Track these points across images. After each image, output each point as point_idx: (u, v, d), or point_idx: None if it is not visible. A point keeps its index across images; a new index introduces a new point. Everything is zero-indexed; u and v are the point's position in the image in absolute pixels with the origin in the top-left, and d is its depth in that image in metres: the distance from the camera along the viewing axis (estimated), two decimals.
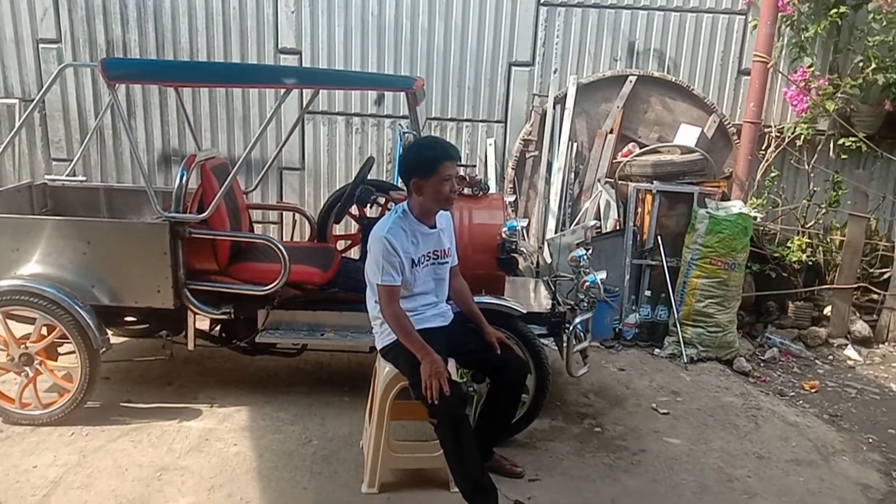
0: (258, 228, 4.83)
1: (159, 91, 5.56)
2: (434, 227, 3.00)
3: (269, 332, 3.74)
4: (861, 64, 5.27)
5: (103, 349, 3.56)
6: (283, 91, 3.53)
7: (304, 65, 5.47)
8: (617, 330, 5.03)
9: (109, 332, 3.69)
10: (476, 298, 3.28)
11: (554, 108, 5.47)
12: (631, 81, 5.43)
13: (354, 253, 4.81)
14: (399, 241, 2.86)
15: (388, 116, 5.61)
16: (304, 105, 4.34)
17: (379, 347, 3.05)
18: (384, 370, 2.99)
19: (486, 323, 3.16)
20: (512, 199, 5.01)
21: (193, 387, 4.07)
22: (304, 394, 4.03)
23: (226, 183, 3.58)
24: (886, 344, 5.38)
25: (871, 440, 3.95)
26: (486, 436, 3.14)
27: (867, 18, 5.15)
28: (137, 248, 3.55)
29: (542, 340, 3.59)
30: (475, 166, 5.48)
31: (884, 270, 5.47)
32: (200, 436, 3.53)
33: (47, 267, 3.54)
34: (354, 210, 4.51)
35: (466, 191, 3.84)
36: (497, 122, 5.64)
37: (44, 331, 3.57)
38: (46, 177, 4.62)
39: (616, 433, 3.77)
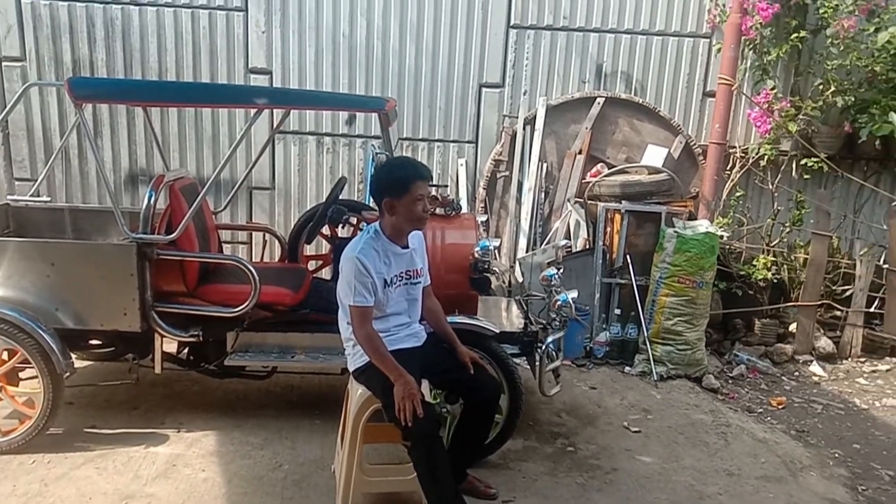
0: (227, 249, 4.79)
1: (127, 110, 5.49)
2: (406, 247, 3.00)
3: (239, 355, 3.69)
4: (821, 87, 5.43)
5: (67, 374, 3.47)
6: (253, 111, 3.51)
7: (274, 85, 5.45)
8: (588, 348, 5.06)
9: (73, 356, 3.61)
10: (449, 318, 3.27)
11: (524, 128, 5.53)
12: (599, 103, 5.51)
13: (326, 273, 4.78)
14: (371, 262, 2.85)
15: (359, 136, 5.61)
16: (275, 125, 4.33)
17: (351, 369, 3.02)
18: (357, 392, 2.96)
19: (459, 343, 3.15)
20: (484, 218, 5.03)
21: (160, 411, 3.99)
22: (274, 417, 3.97)
23: (195, 203, 3.54)
24: (850, 360, 5.49)
25: (837, 455, 4.02)
26: (459, 457, 3.12)
27: (826, 43, 5.30)
28: (103, 270, 3.49)
29: (514, 360, 3.60)
30: (447, 186, 5.50)
31: (846, 288, 5.60)
32: (167, 462, 3.45)
33: (9, 290, 3.46)
34: (326, 230, 4.48)
35: (439, 210, 3.85)
36: (468, 142, 5.68)
37: (4, 355, 3.48)
38: (9, 197, 4.52)
39: (589, 452, 3.78)
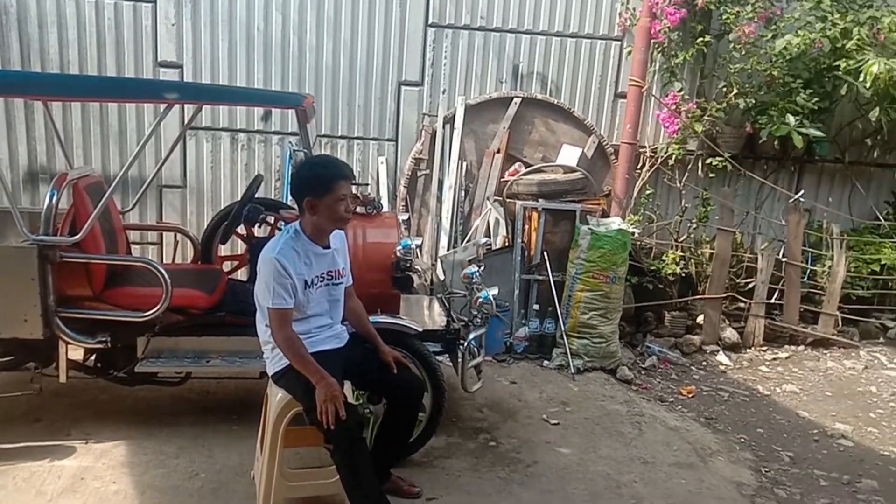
0: (137, 250, 4.59)
1: (25, 104, 5.17)
2: (328, 247, 2.96)
3: (150, 361, 3.54)
4: (724, 89, 5.71)
5: None
6: (163, 106, 3.37)
7: (185, 79, 5.26)
8: (508, 344, 5.12)
9: None
10: (371, 318, 3.25)
11: (444, 127, 5.56)
12: (516, 103, 5.61)
13: (242, 274, 4.66)
14: (291, 263, 2.79)
15: (276, 133, 5.49)
16: (187, 121, 4.18)
17: (270, 373, 2.95)
18: (276, 396, 2.90)
19: (381, 343, 3.13)
20: (405, 217, 5.02)
21: (66, 422, 3.78)
22: (189, 425, 3.83)
23: (101, 203, 3.38)
24: (753, 348, 5.80)
25: (742, 440, 4.24)
26: (383, 457, 3.11)
27: (728, 48, 5.57)
28: (1, 274, 3.27)
29: (437, 357, 3.61)
30: (368, 184, 5.47)
31: (748, 280, 5.91)
32: (75, 475, 3.28)
33: None
34: (242, 229, 4.36)
35: (360, 209, 3.82)
36: (388, 140, 5.66)
37: None
38: None
39: (510, 446, 3.84)
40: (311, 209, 2.84)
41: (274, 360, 2.90)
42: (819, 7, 5.40)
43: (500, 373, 4.88)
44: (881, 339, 6.14)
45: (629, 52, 5.65)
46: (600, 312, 5.02)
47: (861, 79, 5.11)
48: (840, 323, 5.99)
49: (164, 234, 4.90)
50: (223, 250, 4.65)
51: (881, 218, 6.31)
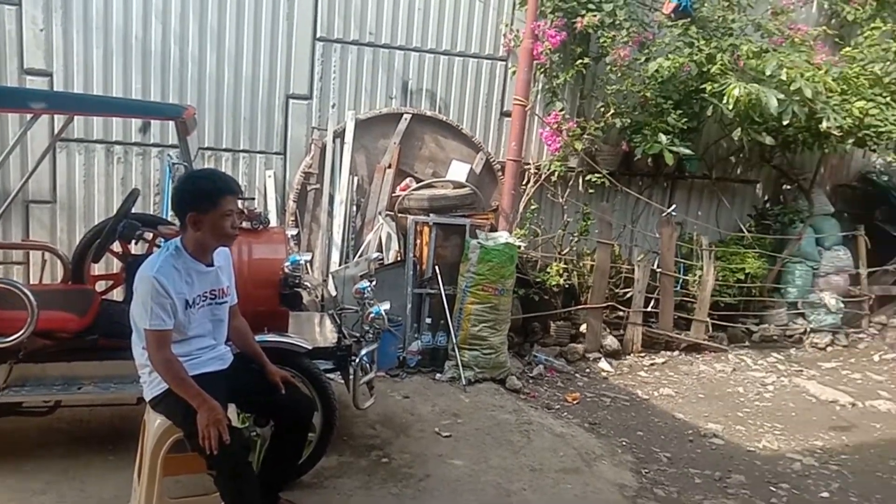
0: (0, 271, 4.24)
1: None
2: (211, 264, 2.85)
3: (14, 390, 3.28)
4: (602, 109, 6.00)
5: None
6: (29, 116, 3.15)
7: (55, 88, 4.94)
8: (401, 358, 5.14)
9: None
10: (258, 337, 3.16)
11: (334, 141, 5.52)
12: (406, 119, 5.66)
13: (118, 294, 4.41)
14: (171, 281, 2.67)
15: (154, 145, 5.25)
16: (57, 132, 3.92)
17: (148, 398, 2.80)
18: (155, 422, 2.76)
19: (268, 362, 3.05)
20: (294, 232, 4.94)
21: None
22: (59, 457, 3.57)
23: None
24: (632, 355, 6.11)
25: (624, 443, 4.44)
26: (271, 480, 3.03)
27: (606, 70, 5.86)
28: None
29: (328, 375, 3.57)
30: (254, 199, 5.33)
31: (627, 290, 6.23)
32: None
33: None
34: (117, 247, 4.13)
35: (245, 224, 3.71)
36: (276, 153, 5.55)
37: None
38: None
39: (403, 461, 3.84)
40: (194, 225, 2.73)
41: (152, 385, 2.76)
42: (687, 34, 5.77)
43: (393, 388, 4.88)
44: (747, 343, 6.63)
45: (513, 73, 5.83)
46: (490, 324, 5.13)
47: (724, 101, 5.45)
48: (710, 328, 6.42)
49: (31, 252, 4.56)
50: (96, 269, 4.38)
51: (744, 230, 6.84)
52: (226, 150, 5.42)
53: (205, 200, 2.71)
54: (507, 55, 5.99)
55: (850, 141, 6.06)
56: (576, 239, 6.14)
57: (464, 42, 5.87)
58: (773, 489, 3.99)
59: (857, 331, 6.95)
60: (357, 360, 3.63)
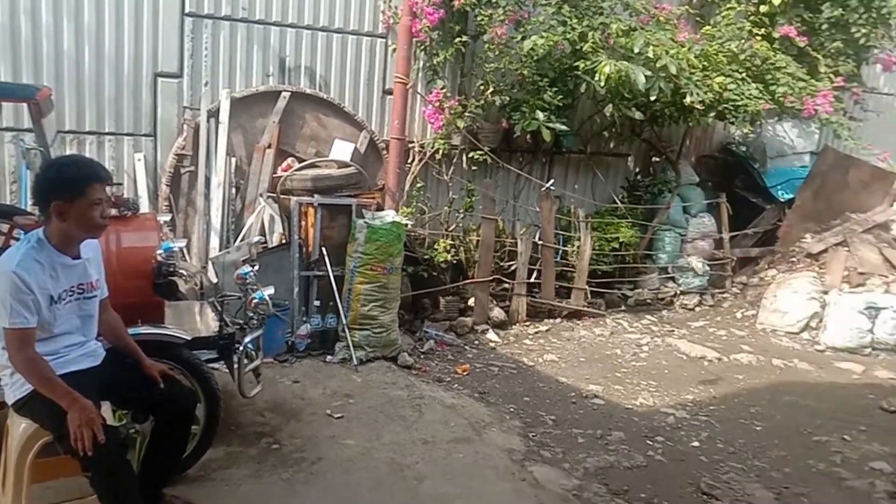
0: None
1: None
2: (78, 257, 2.68)
3: None
4: (482, 87, 6.08)
5: None
6: None
7: None
8: (290, 343, 5.07)
9: None
10: (132, 330, 3.02)
11: (208, 121, 5.30)
12: (284, 97, 5.51)
13: None
14: (33, 276, 2.50)
15: (7, 129, 4.84)
16: None
17: (11, 401, 2.62)
18: (20, 427, 2.59)
19: (144, 356, 2.92)
20: (167, 217, 4.72)
21: None
22: None
23: None
24: (518, 325, 6.32)
25: (512, 409, 4.61)
26: (154, 478, 2.93)
27: (484, 48, 5.91)
28: None
29: (211, 365, 3.46)
30: (121, 184, 5.03)
31: (511, 263, 6.42)
32: None
33: None
34: None
35: (113, 211, 3.51)
36: (145, 135, 5.27)
37: None
38: None
39: (294, 446, 3.81)
40: (59, 215, 2.55)
41: (15, 387, 2.59)
42: (560, 12, 5.92)
43: (282, 373, 4.80)
44: (623, 307, 7.02)
45: (394, 50, 5.80)
46: (380, 303, 5.14)
47: (596, 78, 5.64)
48: (589, 296, 6.73)
49: None
50: None
51: (618, 201, 7.20)
52: (89, 132, 5.08)
53: (70, 189, 2.55)
54: (386, 32, 5.95)
55: (712, 114, 6.47)
56: (461, 215, 6.24)
57: (342, 18, 5.77)
58: (650, 442, 4.28)
59: (722, 291, 7.51)
60: (241, 348, 3.54)
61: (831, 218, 7.51)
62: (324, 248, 5.26)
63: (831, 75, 6.96)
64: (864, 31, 7.15)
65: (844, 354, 6.22)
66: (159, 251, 3.44)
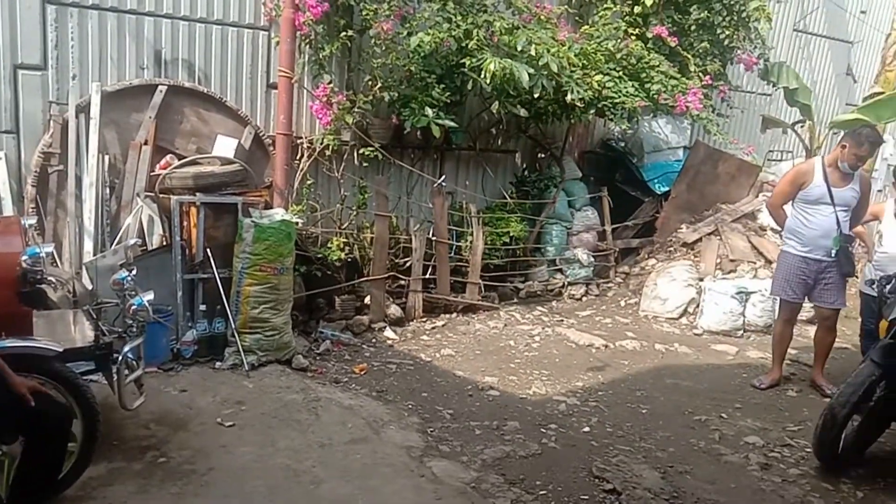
0: None
1: None
2: None
3: None
4: (370, 83, 6.00)
5: None
6: None
7: None
8: (175, 350, 4.83)
9: None
10: None
11: (77, 117, 4.95)
12: (161, 91, 5.23)
13: None
14: None
15: None
16: None
17: None
18: None
19: (10, 372, 2.68)
20: (33, 221, 4.38)
21: None
22: None
23: None
24: (415, 321, 6.32)
25: (410, 406, 4.61)
26: (27, 501, 2.69)
27: (371, 43, 5.84)
28: None
29: (89, 377, 3.25)
30: None
31: (406, 260, 6.41)
32: None
33: None
34: None
35: None
36: (6, 132, 4.87)
37: None
38: None
39: (182, 458, 3.62)
40: None
41: None
42: (445, 9, 5.95)
43: (167, 383, 4.55)
44: (515, 300, 7.18)
45: (277, 43, 5.63)
46: (271, 305, 4.99)
47: (482, 75, 5.71)
48: (483, 289, 6.84)
49: None
50: None
51: (507, 196, 7.35)
52: None
53: None
54: (269, 25, 5.77)
55: (592, 111, 6.70)
56: (354, 213, 6.16)
57: (221, 9, 5.55)
58: (544, 430, 4.39)
59: (606, 281, 7.83)
60: (120, 358, 3.34)
61: (704, 209, 8.03)
62: (209, 250, 5.03)
63: (700, 74, 7.39)
64: (727, 32, 7.67)
65: (719, 337, 6.62)
66: (24, 257, 3.18)
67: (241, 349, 4.88)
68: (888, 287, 4.35)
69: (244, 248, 4.94)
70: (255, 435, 3.95)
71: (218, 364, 4.90)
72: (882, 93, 9.36)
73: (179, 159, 5.27)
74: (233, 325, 4.94)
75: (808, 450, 4.27)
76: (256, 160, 5.68)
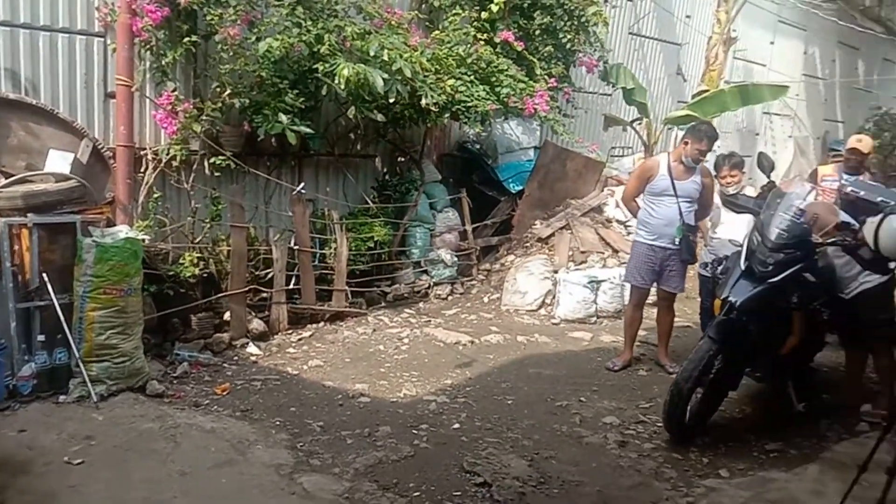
0: None
1: None
2: None
3: None
4: (218, 89, 5.77)
5: None
6: None
7: None
8: (11, 387, 4.40)
9: None
10: None
11: None
12: None
13: None
14: None
15: None
16: None
17: None
18: None
19: None
20: None
21: None
22: None
23: None
24: (280, 334, 6.16)
25: (278, 423, 4.48)
26: None
27: (217, 48, 5.62)
28: None
29: None
30: None
31: (268, 271, 6.23)
32: None
33: None
34: None
35: None
36: None
37: None
38: None
39: None
40: None
41: None
42: (294, 14, 5.82)
43: (3, 423, 4.14)
44: (383, 304, 7.20)
45: (114, 50, 5.30)
46: (119, 329, 4.67)
47: (336, 81, 5.66)
48: (350, 296, 6.79)
49: None
50: None
51: (369, 201, 7.35)
52: None
53: None
54: (104, 31, 5.41)
55: (446, 115, 6.85)
56: (208, 225, 5.91)
57: (48, 15, 5.15)
58: (415, 431, 4.44)
59: (470, 279, 8.04)
60: None
61: (555, 205, 8.46)
62: (45, 274, 4.61)
63: (546, 77, 7.76)
64: (569, 36, 8.11)
65: (575, 325, 7.01)
66: None
67: (87, 379, 4.52)
68: (720, 268, 4.79)
69: (85, 271, 4.58)
70: (107, 470, 3.69)
71: (62, 398, 4.51)
72: (707, 90, 10.29)
73: (7, 177, 4.80)
74: (76, 355, 4.57)
75: (660, 424, 4.63)
76: (96, 175, 5.29)
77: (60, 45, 5.25)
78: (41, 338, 4.62)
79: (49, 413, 4.35)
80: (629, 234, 8.01)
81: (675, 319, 5.99)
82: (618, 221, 8.22)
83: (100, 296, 4.59)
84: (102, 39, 5.44)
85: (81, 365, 4.56)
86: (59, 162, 5.05)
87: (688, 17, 11.60)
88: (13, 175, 4.86)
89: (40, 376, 4.54)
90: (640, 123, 9.94)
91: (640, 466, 4.19)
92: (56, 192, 4.82)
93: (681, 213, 5.47)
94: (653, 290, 5.89)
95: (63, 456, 3.81)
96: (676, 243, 5.51)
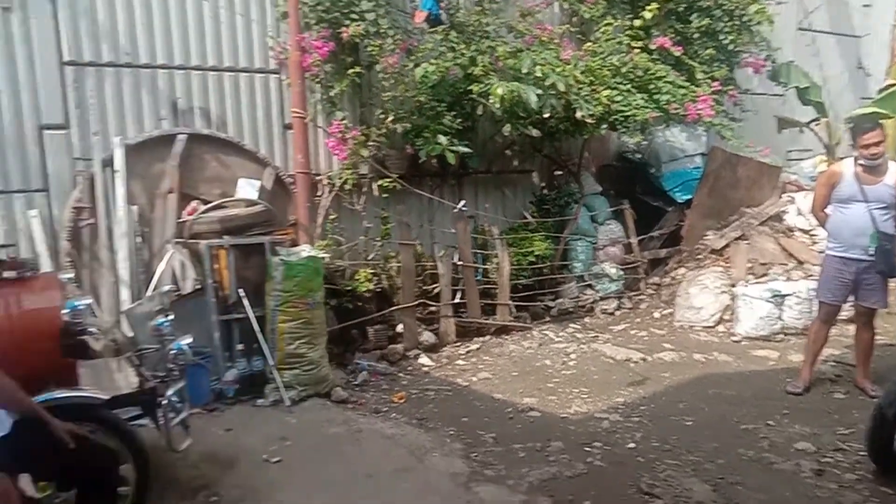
0: None
1: None
2: None
3: None
4: (382, 116, 6.06)
5: None
6: None
7: None
8: (217, 390, 4.85)
9: None
10: (44, 395, 2.82)
11: (103, 171, 5.05)
12: (181, 140, 5.33)
13: None
14: None
15: None
16: None
17: None
18: None
19: (50, 418, 2.64)
20: (70, 275, 4.45)
21: None
22: None
23: None
24: (449, 346, 6.29)
25: (451, 432, 4.53)
26: None
27: (379, 77, 5.93)
28: None
29: (137, 421, 3.28)
30: (14, 245, 4.71)
31: (435, 286, 6.39)
32: None
33: None
34: None
35: (7, 274, 3.27)
36: (38, 191, 5.00)
37: None
38: None
39: (233, 497, 3.62)
40: None
41: None
42: (448, 39, 6.03)
43: (212, 422, 4.56)
44: (547, 318, 7.11)
45: (289, 85, 5.72)
46: (306, 340, 5.00)
47: (491, 100, 5.73)
48: (514, 310, 6.79)
49: None
50: None
51: (528, 216, 7.35)
52: None
53: None
54: (279, 68, 5.88)
55: (604, 126, 6.68)
56: (379, 243, 6.19)
57: (231, 57, 5.69)
58: (588, 449, 4.25)
59: (637, 293, 7.73)
60: (164, 402, 3.37)
61: (728, 214, 7.92)
62: (241, 290, 5.08)
63: (708, 80, 7.38)
64: (731, 37, 7.69)
65: (759, 342, 6.43)
66: (64, 311, 3.23)
67: (280, 385, 4.88)
68: None
69: (275, 286, 4.97)
70: (301, 469, 3.93)
71: (259, 401, 4.91)
72: (895, 84, 9.29)
73: (205, 204, 5.34)
74: (271, 362, 4.95)
75: (863, 453, 4.04)
76: (279, 199, 5.74)
77: (242, 83, 5.77)
78: (240, 347, 5.08)
79: (249, 415, 4.73)
80: (814, 243, 7.35)
81: (877, 337, 5.33)
82: (801, 230, 7.55)
83: (288, 309, 4.95)
84: (277, 76, 5.91)
85: (275, 372, 4.93)
86: (247, 189, 5.54)
87: (866, 6, 10.62)
88: (210, 202, 5.38)
89: (241, 381, 4.97)
90: (817, 124, 9.17)
91: (840, 498, 3.70)
92: (247, 216, 5.29)
93: (873, 221, 4.90)
94: (846, 305, 5.31)
95: (262, 454, 4.10)
96: (870, 254, 4.94)
